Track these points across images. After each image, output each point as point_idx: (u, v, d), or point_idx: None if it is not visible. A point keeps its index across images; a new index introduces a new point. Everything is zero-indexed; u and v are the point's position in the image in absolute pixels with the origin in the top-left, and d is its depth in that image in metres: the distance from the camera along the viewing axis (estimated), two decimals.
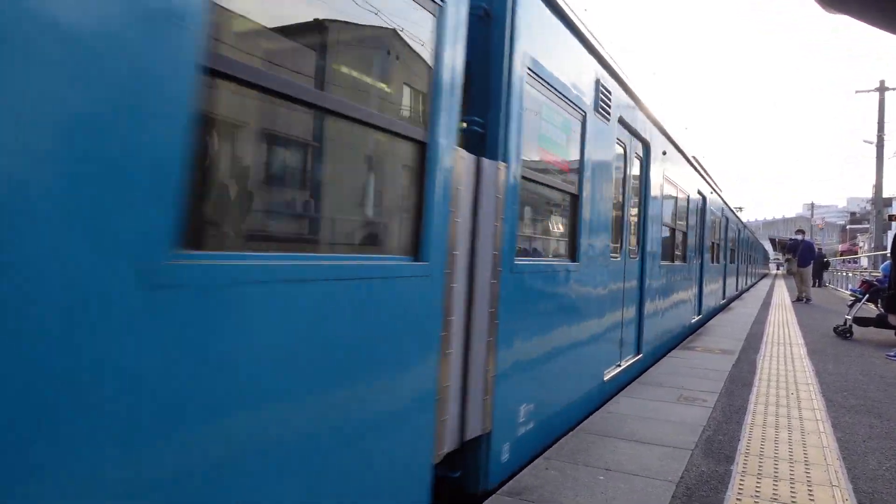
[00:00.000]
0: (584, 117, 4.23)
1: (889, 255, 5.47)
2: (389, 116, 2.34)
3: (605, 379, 4.99)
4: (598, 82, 4.48)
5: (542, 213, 4.10)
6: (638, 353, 6.21)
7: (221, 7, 1.54)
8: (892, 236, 5.49)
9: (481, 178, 2.89)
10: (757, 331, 10.01)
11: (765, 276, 39.17)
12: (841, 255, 41.53)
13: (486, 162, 2.91)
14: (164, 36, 1.31)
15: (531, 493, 2.99)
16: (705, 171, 10.90)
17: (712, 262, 12.30)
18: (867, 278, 11.56)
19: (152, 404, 1.32)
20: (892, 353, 7.68)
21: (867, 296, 9.84)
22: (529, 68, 3.28)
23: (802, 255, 17.23)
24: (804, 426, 4.35)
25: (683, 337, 8.86)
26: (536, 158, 3.59)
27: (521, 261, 3.31)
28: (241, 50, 1.72)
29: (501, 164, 3.02)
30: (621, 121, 5.21)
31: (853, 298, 10.23)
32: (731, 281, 16.35)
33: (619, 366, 5.52)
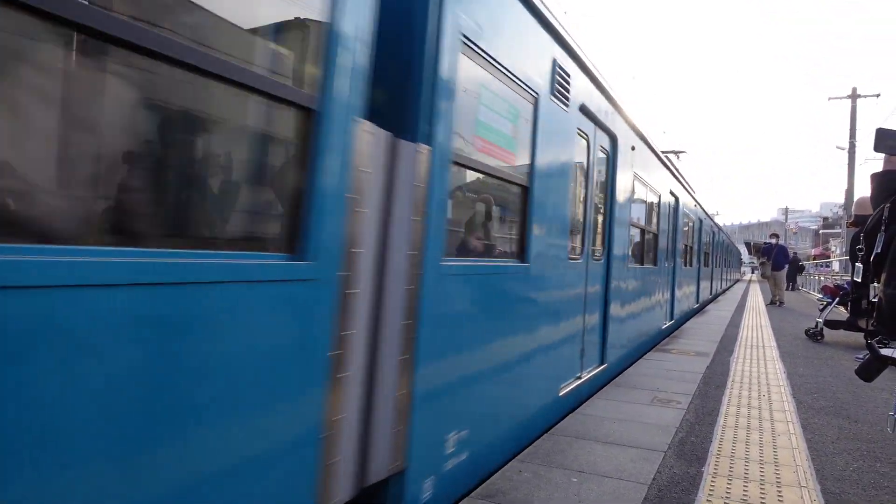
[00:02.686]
0: (537, 101, 3.71)
1: (849, 259, 5.59)
2: (257, 70, 1.78)
3: (560, 394, 4.47)
4: (554, 63, 3.98)
5: (484, 208, 3.51)
6: (602, 363, 5.68)
7: None
8: (850, 241, 5.60)
9: (397, 161, 2.38)
10: (731, 333, 10.15)
11: (736, 281, 37.99)
12: (814, 259, 42.32)
13: (403, 143, 2.40)
14: None
15: (504, 495, 2.99)
16: (678, 172, 10.84)
17: (686, 266, 12.12)
18: (829, 284, 11.82)
19: None
20: (860, 356, 7.83)
21: (837, 299, 10.04)
22: (465, 36, 2.74)
23: (776, 259, 17.54)
24: (775, 428, 4.41)
25: (654, 343, 8.55)
26: (475, 143, 3.07)
27: (451, 262, 2.79)
28: None
29: (424, 147, 2.48)
30: (584, 109, 4.71)
31: (823, 303, 10.43)
32: (705, 284, 16.21)
33: (580, 377, 5.02)
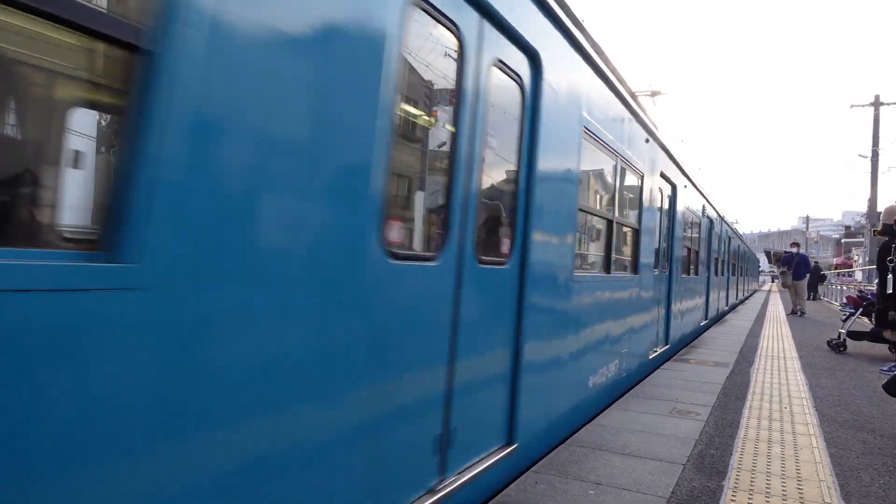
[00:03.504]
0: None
1: (876, 268, 5.45)
2: None
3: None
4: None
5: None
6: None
7: None
8: (878, 251, 5.46)
9: None
10: (751, 343, 9.98)
11: (754, 292, 35.21)
12: (836, 268, 41.63)
13: None
14: None
15: None
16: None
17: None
18: (852, 294, 11.58)
19: None
20: (885, 368, 7.66)
21: (861, 310, 9.84)
22: None
23: (797, 269, 17.25)
24: (797, 441, 4.31)
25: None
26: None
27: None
28: None
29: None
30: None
31: (846, 314, 10.24)
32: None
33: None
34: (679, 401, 5.44)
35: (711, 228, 13.05)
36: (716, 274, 14.08)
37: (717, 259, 14.12)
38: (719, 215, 14.39)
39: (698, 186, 10.52)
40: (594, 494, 3.16)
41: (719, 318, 14.64)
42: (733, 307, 19.23)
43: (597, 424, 4.51)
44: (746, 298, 26.89)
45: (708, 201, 12.23)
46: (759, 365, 7.74)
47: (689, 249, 9.93)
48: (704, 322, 12.26)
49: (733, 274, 19.31)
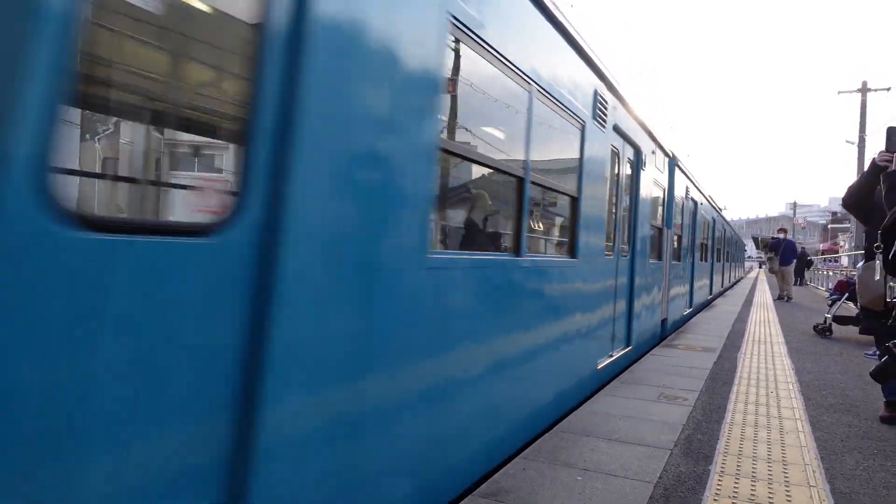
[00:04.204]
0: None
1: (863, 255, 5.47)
2: None
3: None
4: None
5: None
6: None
7: None
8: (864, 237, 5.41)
9: None
10: (739, 329, 10.06)
11: (740, 280, 32.90)
12: (822, 253, 42.04)
13: None
14: None
15: (507, 494, 2.94)
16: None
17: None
18: (842, 279, 11.67)
19: None
20: (870, 352, 7.74)
21: (846, 294, 9.93)
22: None
23: (784, 254, 17.40)
24: (783, 425, 4.35)
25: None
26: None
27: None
28: None
29: None
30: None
31: (832, 298, 10.33)
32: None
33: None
34: (667, 386, 5.46)
35: (696, 210, 12.17)
36: (702, 260, 13.46)
37: (700, 244, 13.25)
38: (701, 192, 13.07)
39: (667, 150, 8.86)
40: (582, 480, 3.16)
41: (696, 311, 12.83)
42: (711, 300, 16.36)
43: (586, 410, 4.52)
44: (729, 288, 23.96)
45: (688, 176, 10.93)
46: (746, 350, 7.80)
47: (658, 230, 8.54)
48: (688, 311, 11.60)
49: (718, 260, 18.18)
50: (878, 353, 5.25)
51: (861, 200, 4.56)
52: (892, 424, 4.54)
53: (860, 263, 5.42)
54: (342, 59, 1.99)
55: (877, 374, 4.79)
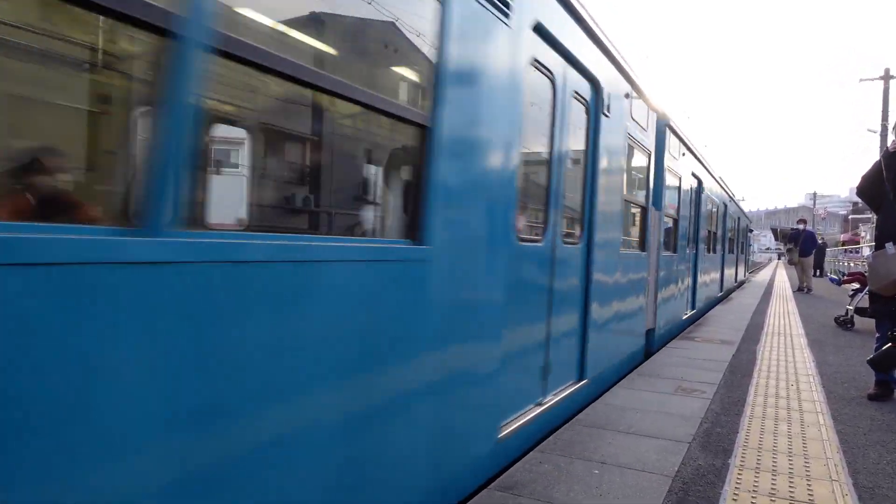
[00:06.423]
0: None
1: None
2: None
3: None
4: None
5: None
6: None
7: None
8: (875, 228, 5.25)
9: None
10: (757, 321, 9.93)
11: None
12: (843, 244, 41.37)
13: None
14: None
15: (523, 487, 2.93)
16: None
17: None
18: (855, 269, 11.45)
19: None
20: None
21: (868, 287, 9.75)
22: None
23: (804, 245, 17.13)
24: (804, 418, 4.28)
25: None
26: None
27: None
28: None
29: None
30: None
31: (854, 289, 10.14)
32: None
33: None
34: (685, 379, 5.41)
35: (700, 189, 9.97)
36: (709, 251, 11.59)
37: (708, 232, 11.32)
38: (708, 169, 10.79)
39: (653, 103, 6.58)
40: (598, 474, 3.14)
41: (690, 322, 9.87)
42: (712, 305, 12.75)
43: (602, 403, 4.49)
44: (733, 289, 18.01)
45: (687, 145, 8.59)
46: (765, 342, 7.69)
47: (642, 210, 6.68)
48: (689, 313, 9.75)
49: (731, 251, 16.06)
50: (878, 337, 5.20)
51: (873, 187, 4.54)
52: (878, 401, 4.84)
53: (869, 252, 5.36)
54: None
55: (877, 362, 4.75)
